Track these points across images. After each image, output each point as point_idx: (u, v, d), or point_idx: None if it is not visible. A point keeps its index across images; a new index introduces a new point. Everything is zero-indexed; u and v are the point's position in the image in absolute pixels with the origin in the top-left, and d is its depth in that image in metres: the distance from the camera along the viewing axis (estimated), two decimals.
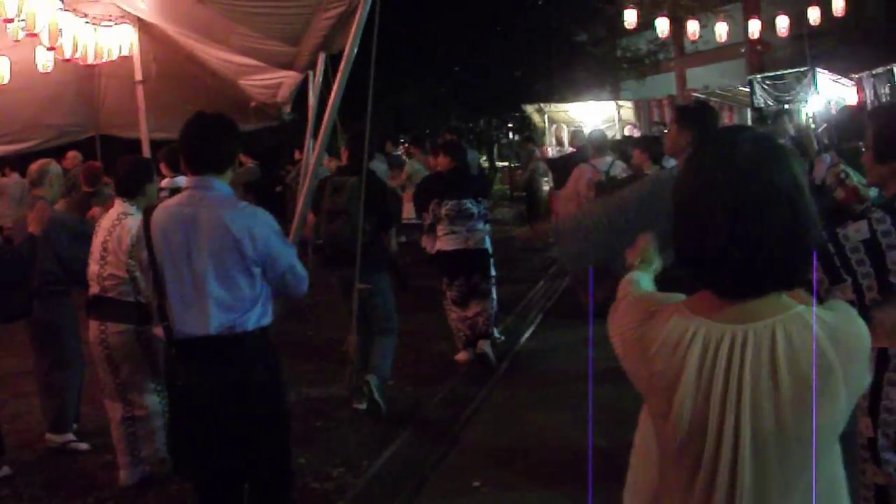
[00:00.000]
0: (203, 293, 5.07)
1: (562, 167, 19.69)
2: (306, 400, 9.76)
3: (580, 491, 6.48)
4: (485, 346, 11.61)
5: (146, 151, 13.36)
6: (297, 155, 16.68)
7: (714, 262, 2.51)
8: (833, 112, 19.55)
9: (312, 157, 7.60)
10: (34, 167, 8.91)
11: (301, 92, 11.98)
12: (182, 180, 11.28)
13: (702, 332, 2.53)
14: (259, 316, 5.22)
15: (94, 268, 7.74)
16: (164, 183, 11.06)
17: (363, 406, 9.49)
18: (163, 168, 11.35)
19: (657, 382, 2.61)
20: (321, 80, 10.20)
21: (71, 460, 8.49)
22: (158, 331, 5.32)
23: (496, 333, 12.14)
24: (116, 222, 7.66)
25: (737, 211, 2.43)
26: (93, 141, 16.60)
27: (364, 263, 8.87)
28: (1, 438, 7.81)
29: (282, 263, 5.27)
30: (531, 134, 32.13)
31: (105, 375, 7.73)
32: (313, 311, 12.43)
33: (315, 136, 8.45)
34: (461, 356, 11.67)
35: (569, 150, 24.57)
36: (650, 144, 12.49)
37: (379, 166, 12.15)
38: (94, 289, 7.75)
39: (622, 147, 15.52)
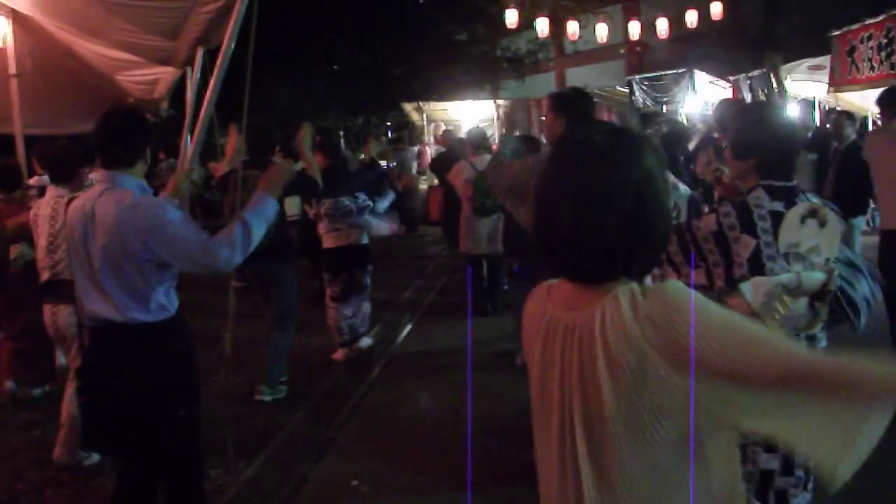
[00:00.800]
0: (99, 285, 5.23)
1: (440, 166, 19.91)
2: None
3: (459, 484, 6.58)
4: (362, 342, 12.08)
5: (19, 147, 13.14)
6: (161, 156, 16.34)
7: (558, 249, 2.62)
8: (710, 110, 19.97)
9: (188, 153, 7.57)
10: None
11: (179, 88, 11.93)
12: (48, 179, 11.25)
13: (546, 318, 2.69)
14: (155, 308, 5.34)
15: (41, 258, 7.82)
16: (34, 181, 10.93)
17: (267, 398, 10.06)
18: (35, 165, 11.20)
19: (528, 361, 2.82)
20: (199, 75, 10.16)
21: None
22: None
23: (367, 339, 12.24)
24: (56, 207, 7.72)
25: (578, 200, 2.52)
26: None
27: (271, 255, 9.09)
28: None
29: (186, 248, 5.29)
30: (400, 135, 32.35)
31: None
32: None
33: (192, 132, 8.43)
34: (339, 354, 11.78)
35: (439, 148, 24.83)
36: (529, 142, 12.76)
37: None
38: (45, 276, 8.02)
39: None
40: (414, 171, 25.24)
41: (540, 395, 2.71)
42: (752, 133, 4.82)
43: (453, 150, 21.20)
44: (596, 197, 2.49)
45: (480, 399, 8.49)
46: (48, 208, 7.87)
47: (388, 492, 7.32)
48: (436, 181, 23.54)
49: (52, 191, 7.97)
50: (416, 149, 28.56)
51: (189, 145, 7.82)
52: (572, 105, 6.98)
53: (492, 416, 8.50)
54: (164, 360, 5.41)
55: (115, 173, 5.37)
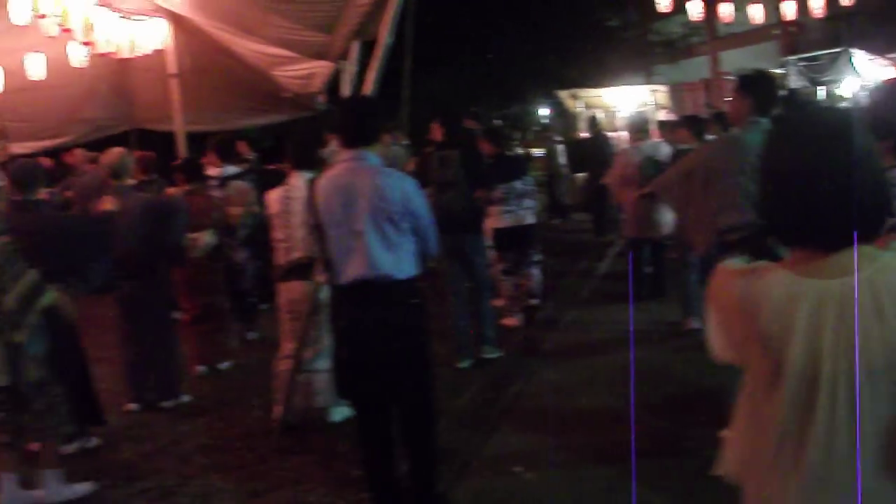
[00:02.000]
0: (362, 247, 5.77)
1: (591, 154, 19.88)
2: None
3: (624, 470, 6.49)
4: (534, 301, 12.65)
5: (181, 144, 13.42)
6: None
7: (814, 219, 2.71)
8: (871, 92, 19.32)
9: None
10: (112, 159, 9.02)
11: (334, 81, 12.00)
12: (231, 170, 11.43)
13: (808, 289, 2.70)
14: (409, 266, 5.93)
15: (296, 238, 8.10)
16: (214, 172, 11.15)
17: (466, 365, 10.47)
18: (212, 157, 11.42)
19: (769, 341, 2.76)
20: (356, 69, 10.21)
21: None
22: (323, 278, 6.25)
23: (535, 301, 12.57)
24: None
25: (833, 172, 2.65)
26: (127, 135, 16.66)
27: (470, 229, 10.13)
28: (97, 407, 7.92)
29: (426, 221, 6.02)
30: (548, 124, 32.21)
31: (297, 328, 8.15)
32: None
33: None
34: (510, 321, 11.95)
35: (585, 135, 24.69)
36: (693, 123, 12.76)
37: (399, 152, 12.34)
38: (298, 254, 8.20)
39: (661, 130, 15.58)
40: (563, 160, 25.00)
41: (792, 368, 2.72)
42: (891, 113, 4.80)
43: (597, 135, 21.15)
44: (846, 167, 2.63)
45: (647, 380, 8.35)
46: (301, 192, 8.02)
47: (550, 479, 7.21)
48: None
49: (299, 176, 8.14)
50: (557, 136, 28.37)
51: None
52: (758, 86, 7.04)
53: (659, 396, 8.39)
54: (418, 311, 6.06)
55: (361, 150, 5.96)
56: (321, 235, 5.97)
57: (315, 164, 8.28)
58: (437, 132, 12.05)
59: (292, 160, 8.59)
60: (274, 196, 8.40)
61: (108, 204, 8.90)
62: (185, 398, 9.13)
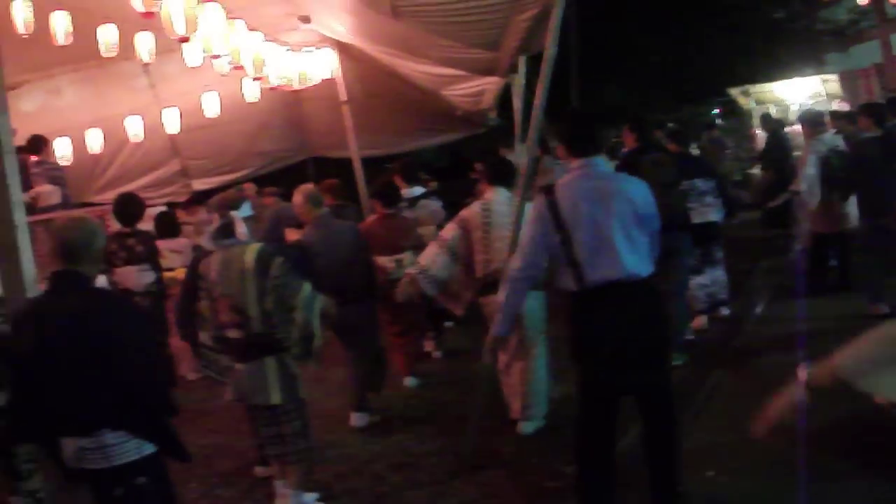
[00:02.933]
0: (611, 248, 5.85)
1: (770, 150, 19.56)
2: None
3: (817, 475, 6.36)
4: (722, 310, 12.21)
5: (357, 170, 13.66)
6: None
7: None
8: None
9: (523, 161, 7.63)
10: (310, 191, 9.26)
11: (503, 96, 12.07)
12: (418, 190, 11.59)
13: None
14: (649, 264, 6.03)
15: (497, 246, 8.16)
16: (403, 192, 11.32)
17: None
18: (397, 180, 11.58)
19: None
20: (524, 82, 10.27)
21: None
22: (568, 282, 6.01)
23: (726, 309, 12.25)
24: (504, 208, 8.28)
25: None
26: (304, 164, 17.02)
27: (684, 227, 10.16)
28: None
29: (657, 222, 6.18)
30: (713, 122, 31.74)
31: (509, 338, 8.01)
32: None
33: (523, 140, 8.55)
34: (697, 322, 11.77)
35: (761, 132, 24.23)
36: (874, 109, 12.44)
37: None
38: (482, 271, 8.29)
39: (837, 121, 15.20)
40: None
41: None
42: None
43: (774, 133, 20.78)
44: None
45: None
46: (500, 205, 8.16)
47: (744, 485, 7.09)
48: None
49: (495, 191, 8.27)
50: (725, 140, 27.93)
51: (523, 152, 7.90)
52: None
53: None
54: (661, 306, 6.23)
55: (592, 158, 6.06)
56: (565, 240, 5.99)
57: (510, 178, 8.37)
58: (628, 138, 11.90)
59: (488, 176, 8.68)
60: (471, 212, 8.47)
61: (293, 235, 9.15)
62: (375, 417, 9.25)
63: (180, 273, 10.82)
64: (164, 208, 12.72)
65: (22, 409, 4.52)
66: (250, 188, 15.38)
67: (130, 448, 4.38)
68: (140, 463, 4.42)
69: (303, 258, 8.14)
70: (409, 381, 10.38)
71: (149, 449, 4.45)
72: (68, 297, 4.40)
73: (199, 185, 16.19)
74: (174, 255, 11.08)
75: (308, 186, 9.31)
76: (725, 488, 6.80)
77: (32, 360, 4.32)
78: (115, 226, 10.47)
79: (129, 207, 10.19)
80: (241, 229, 6.53)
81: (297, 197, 9.05)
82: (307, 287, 6.38)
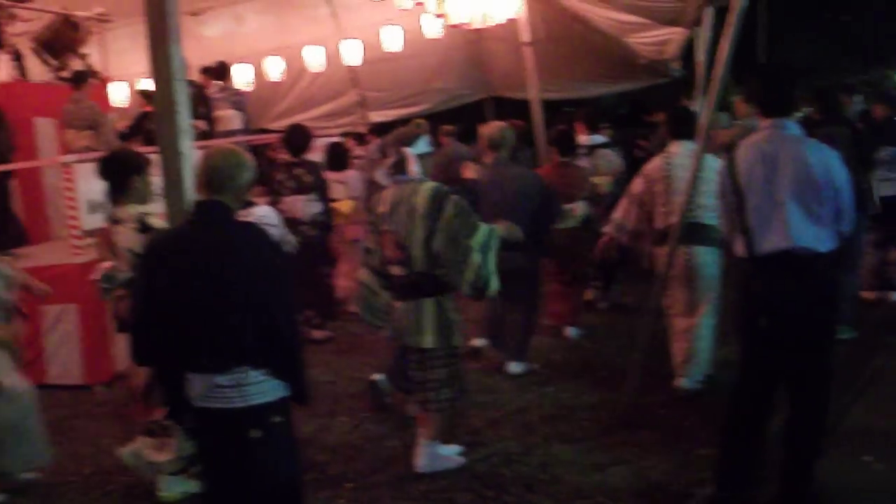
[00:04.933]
0: (782, 218, 5.58)
1: None
2: None
3: None
4: (894, 296, 11.35)
5: (536, 112, 13.46)
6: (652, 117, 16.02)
7: None
8: None
9: (704, 116, 7.36)
10: (492, 132, 9.13)
11: (686, 48, 11.78)
12: (599, 139, 11.37)
13: None
14: (829, 240, 5.65)
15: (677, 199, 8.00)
16: (583, 140, 11.12)
17: None
18: (579, 127, 11.37)
19: None
20: (710, 35, 9.97)
21: None
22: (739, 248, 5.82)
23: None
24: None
25: None
26: (480, 103, 16.92)
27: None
28: None
29: (846, 196, 5.67)
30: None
31: (679, 294, 8.03)
32: None
33: (705, 93, 8.28)
34: (870, 294, 11.31)
35: None
36: None
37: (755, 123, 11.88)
38: (673, 219, 7.97)
39: None
40: None
41: None
42: None
43: None
44: None
45: None
46: (682, 159, 7.99)
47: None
48: None
49: (679, 145, 8.09)
50: None
51: (705, 105, 7.62)
52: None
53: None
54: (834, 286, 5.85)
55: (783, 119, 5.76)
56: (739, 204, 5.78)
57: (693, 133, 8.12)
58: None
59: (670, 129, 8.45)
60: (654, 164, 8.27)
61: (469, 172, 9.04)
62: (534, 366, 9.11)
63: (344, 205, 10.82)
64: (338, 139, 12.71)
65: (145, 338, 4.46)
66: (423, 125, 15.40)
67: (268, 388, 4.29)
68: (276, 404, 4.34)
69: (472, 199, 8.06)
70: (571, 332, 10.20)
71: (283, 390, 4.36)
72: (209, 229, 4.32)
73: (376, 116, 16.29)
74: (339, 187, 11.07)
75: (492, 128, 9.15)
76: (882, 476, 6.47)
77: (168, 290, 4.25)
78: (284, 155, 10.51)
79: (297, 138, 10.21)
80: (414, 166, 6.40)
81: (482, 135, 8.97)
82: (484, 228, 6.23)
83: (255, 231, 4.51)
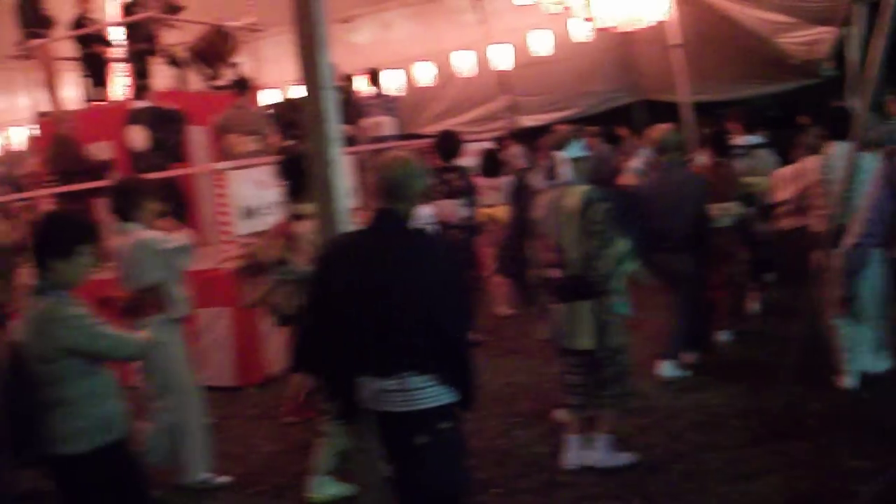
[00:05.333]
0: None
1: None
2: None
3: None
4: None
5: (686, 114, 13.36)
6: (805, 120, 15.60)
7: None
8: None
9: (858, 116, 7.21)
10: (660, 135, 9.13)
11: (838, 47, 11.58)
12: (755, 139, 11.24)
13: None
14: None
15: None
16: (739, 141, 11.00)
17: None
18: (734, 128, 11.25)
19: None
20: (864, 32, 9.78)
21: None
22: None
23: None
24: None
25: None
26: (630, 107, 16.84)
27: None
28: None
29: None
30: None
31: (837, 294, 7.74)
32: None
33: (858, 93, 8.12)
34: None
35: None
36: None
37: None
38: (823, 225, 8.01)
39: None
40: None
41: None
42: None
43: None
44: None
45: None
46: (840, 161, 7.92)
47: None
48: None
49: (836, 146, 8.00)
50: None
51: (860, 106, 7.46)
52: None
53: None
54: None
55: None
56: None
57: (850, 132, 7.98)
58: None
59: (828, 130, 8.31)
60: (811, 166, 8.15)
61: (627, 177, 9.04)
62: (687, 373, 9.01)
63: (498, 210, 10.88)
64: (489, 144, 12.77)
65: (314, 341, 4.54)
66: (578, 130, 15.38)
67: (434, 393, 4.32)
68: (443, 409, 4.35)
69: (632, 204, 8.01)
70: (723, 336, 10.07)
71: (450, 396, 4.38)
72: (385, 236, 4.39)
73: (527, 121, 16.33)
74: (493, 192, 11.13)
75: (659, 131, 9.12)
76: None
77: (342, 294, 4.33)
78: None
79: (448, 144, 10.28)
80: (564, 170, 6.40)
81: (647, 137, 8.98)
82: (623, 243, 6.22)
83: (429, 239, 4.57)
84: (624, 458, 6.62)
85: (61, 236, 4.31)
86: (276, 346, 8.78)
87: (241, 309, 8.49)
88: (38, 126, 12.95)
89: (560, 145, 6.46)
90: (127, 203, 6.04)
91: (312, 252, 5.66)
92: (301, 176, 6.14)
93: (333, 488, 6.18)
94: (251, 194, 9.39)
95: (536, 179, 6.97)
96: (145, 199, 6.06)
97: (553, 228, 6.24)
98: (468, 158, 11.16)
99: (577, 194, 6.15)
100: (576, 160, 6.35)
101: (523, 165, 12.45)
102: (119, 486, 4.37)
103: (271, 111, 11.55)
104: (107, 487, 4.29)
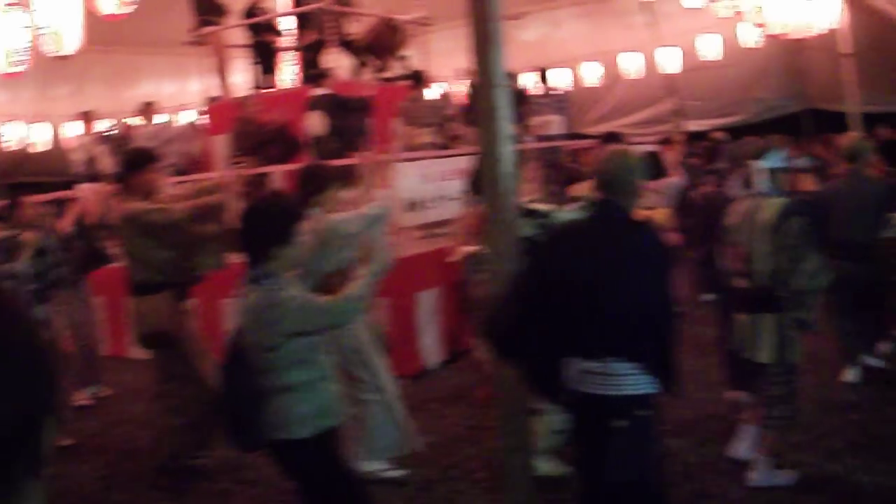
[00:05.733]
0: None
1: None
2: None
3: None
4: None
5: (854, 125, 13.14)
6: None
7: None
8: None
9: None
10: (849, 143, 9.06)
11: None
12: None
13: None
14: None
15: None
16: None
17: None
18: None
19: None
20: None
21: None
22: None
23: None
24: None
25: None
26: (796, 116, 16.59)
27: None
28: None
29: None
30: None
31: None
32: None
33: None
34: None
35: None
36: None
37: None
38: None
39: None
40: None
41: None
42: None
43: None
44: None
45: None
46: None
47: None
48: None
49: None
50: None
51: None
52: None
53: None
54: None
55: None
56: None
57: None
58: None
59: None
60: None
61: (808, 184, 8.95)
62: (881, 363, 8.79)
63: (657, 213, 10.84)
64: (653, 147, 12.73)
65: (518, 327, 4.61)
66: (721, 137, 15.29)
67: (636, 381, 4.35)
68: (643, 398, 4.38)
69: (820, 214, 7.95)
70: (885, 348, 9.88)
71: (651, 385, 4.40)
72: (604, 226, 4.46)
73: (692, 125, 16.18)
74: (654, 195, 11.11)
75: (851, 137, 9.05)
76: None
77: (558, 280, 4.40)
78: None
79: (612, 144, 10.29)
80: (758, 180, 6.36)
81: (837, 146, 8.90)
82: (814, 260, 6.15)
83: (646, 230, 4.63)
84: (783, 477, 6.55)
85: (280, 224, 4.37)
86: (431, 338, 8.90)
87: (396, 300, 8.61)
88: (207, 110, 13.48)
89: (758, 155, 6.43)
90: (312, 187, 6.10)
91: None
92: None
93: (553, 466, 6.20)
94: (418, 187, 9.49)
95: (731, 187, 6.90)
96: (330, 184, 6.12)
97: (745, 238, 6.22)
98: None
99: (773, 207, 6.11)
100: (774, 171, 6.31)
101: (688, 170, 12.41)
102: (337, 469, 4.49)
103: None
104: (328, 471, 4.44)
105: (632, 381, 4.32)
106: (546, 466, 6.13)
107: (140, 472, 7.03)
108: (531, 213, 5.77)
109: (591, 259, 4.34)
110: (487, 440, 6.88)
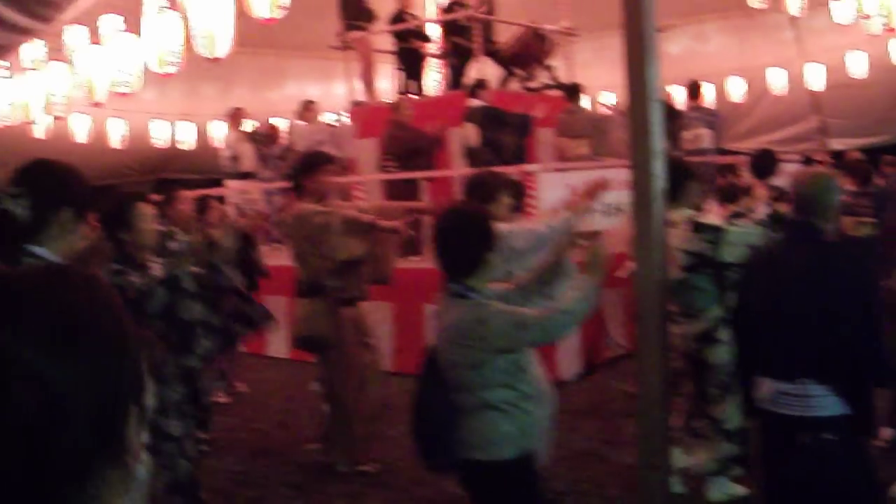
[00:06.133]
0: None
1: None
2: None
3: None
4: None
5: None
6: None
7: None
8: None
9: None
10: None
11: None
12: None
13: None
14: None
15: None
16: None
17: None
18: None
19: None
20: None
21: None
22: None
23: None
24: None
25: None
26: None
27: None
28: None
29: None
30: None
31: None
32: None
33: None
34: None
35: None
36: None
37: None
38: None
39: None
40: None
41: None
42: None
43: None
44: None
45: None
46: None
47: None
48: None
49: None
50: None
51: None
52: None
53: None
54: None
55: None
56: None
57: None
58: None
59: None
60: None
61: None
62: None
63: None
64: (798, 166, 12.56)
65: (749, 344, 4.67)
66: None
67: (830, 403, 4.31)
68: (834, 420, 4.34)
69: None
70: None
71: (843, 408, 4.34)
72: (801, 247, 4.46)
73: (837, 144, 15.84)
74: None
75: None
76: None
77: (756, 300, 4.46)
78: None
79: (764, 162, 10.01)
80: None
81: None
82: None
83: (847, 253, 4.62)
84: None
85: (483, 229, 4.14)
86: (568, 349, 8.92)
87: None
88: (352, 114, 13.73)
89: None
90: (481, 195, 5.99)
91: (683, 257, 5.73)
92: (675, 182, 6.14)
93: (729, 489, 6.13)
94: (561, 198, 9.52)
95: None
96: (500, 192, 6.01)
97: None
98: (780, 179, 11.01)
99: None
100: None
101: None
102: (534, 495, 4.35)
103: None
104: (525, 495, 4.27)
105: (821, 402, 4.28)
106: (726, 489, 6.10)
107: (273, 470, 7.21)
108: (701, 228, 5.74)
109: (784, 282, 4.36)
110: (621, 456, 6.86)
